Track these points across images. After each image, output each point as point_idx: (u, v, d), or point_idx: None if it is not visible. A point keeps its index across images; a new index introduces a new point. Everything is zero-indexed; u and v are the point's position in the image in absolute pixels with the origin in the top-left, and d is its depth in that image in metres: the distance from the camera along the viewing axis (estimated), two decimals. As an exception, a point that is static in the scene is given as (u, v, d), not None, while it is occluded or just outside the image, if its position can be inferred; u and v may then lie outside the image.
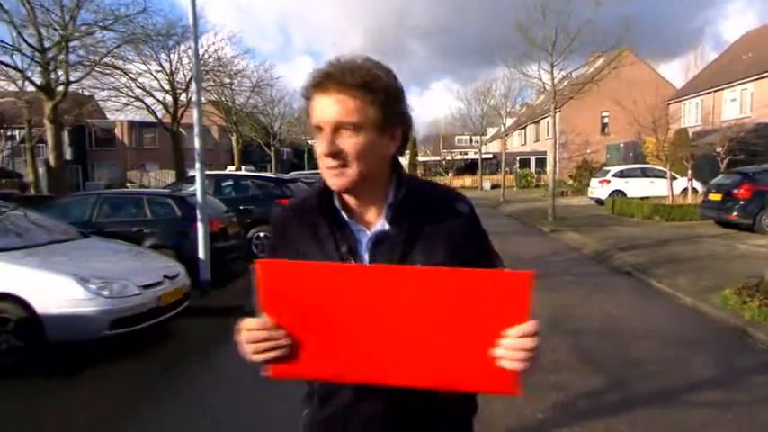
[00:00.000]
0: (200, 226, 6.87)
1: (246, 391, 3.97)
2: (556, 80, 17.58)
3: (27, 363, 4.51)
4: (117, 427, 3.66)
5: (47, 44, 10.70)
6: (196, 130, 6.80)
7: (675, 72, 51.26)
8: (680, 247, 10.00)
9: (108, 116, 33.84)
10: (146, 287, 5.11)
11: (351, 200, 1.18)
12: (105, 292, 4.76)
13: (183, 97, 16.01)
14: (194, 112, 6.79)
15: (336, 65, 1.11)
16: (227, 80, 17.80)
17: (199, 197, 6.86)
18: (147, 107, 16.80)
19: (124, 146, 43.08)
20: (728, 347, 5.01)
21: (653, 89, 37.32)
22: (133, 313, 4.89)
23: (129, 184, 34.60)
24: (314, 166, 43.58)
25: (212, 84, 16.80)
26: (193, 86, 8.96)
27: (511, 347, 0.97)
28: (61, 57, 10.88)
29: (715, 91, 30.00)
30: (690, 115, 32.38)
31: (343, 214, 1.18)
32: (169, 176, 40.18)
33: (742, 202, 11.35)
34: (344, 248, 1.15)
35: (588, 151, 37.46)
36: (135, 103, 16.59)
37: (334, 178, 1.11)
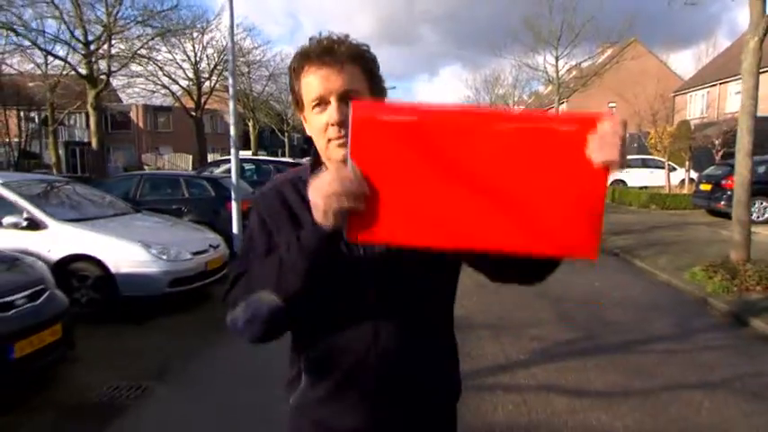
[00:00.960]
0: (234, 204, 7.81)
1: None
2: (561, 72, 18.33)
3: (104, 313, 5.48)
4: (186, 363, 4.57)
5: (90, 38, 11.66)
6: (231, 119, 7.72)
7: (689, 61, 51.02)
8: (668, 232, 10.83)
9: (125, 100, 34.87)
10: (195, 254, 6.06)
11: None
12: (164, 257, 5.71)
13: (205, 85, 16.88)
14: (230, 104, 7.70)
15: (329, 39, 1.13)
16: (245, 69, 18.65)
17: (234, 179, 7.80)
18: (173, 94, 17.73)
19: (139, 129, 44.07)
20: (688, 313, 5.90)
21: (660, 81, 37.86)
22: (187, 275, 5.85)
23: (146, 167, 35.55)
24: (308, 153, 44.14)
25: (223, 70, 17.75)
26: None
27: (603, 138, 0.90)
28: (103, 49, 11.85)
29: (720, 83, 30.39)
30: (695, 107, 32.86)
31: None
32: (182, 160, 41.16)
33: (729, 193, 12.10)
34: None
35: (595, 141, 38.01)
36: (161, 90, 17.51)
37: (341, 148, 1.09)
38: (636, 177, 20.14)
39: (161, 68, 15.33)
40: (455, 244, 0.95)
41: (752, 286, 6.16)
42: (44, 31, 11.81)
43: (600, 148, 0.90)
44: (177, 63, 16.69)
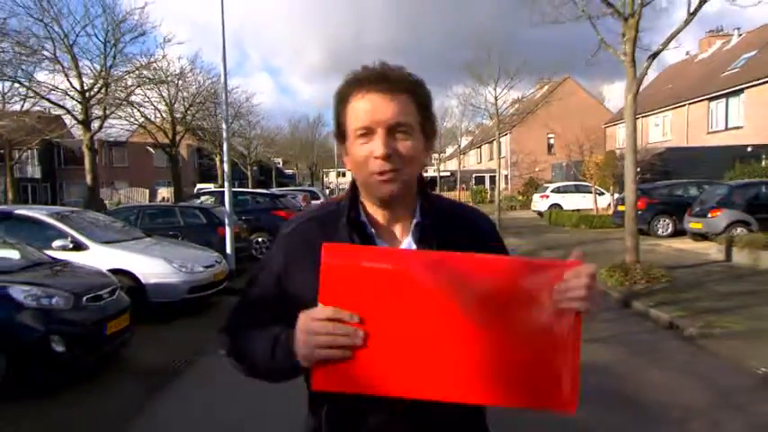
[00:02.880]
0: (227, 229, 9.25)
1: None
2: (500, 109, 20.70)
3: (137, 315, 6.78)
4: (209, 353, 5.90)
5: (85, 87, 12.91)
6: (225, 158, 9.22)
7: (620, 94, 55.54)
8: (590, 246, 12.89)
9: (77, 136, 35.27)
10: (206, 267, 7.48)
11: (379, 213, 1.11)
12: (183, 269, 7.10)
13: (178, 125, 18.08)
14: (224, 145, 9.20)
15: (384, 67, 1.07)
16: (216, 109, 20.07)
17: (227, 207, 9.26)
18: (149, 132, 18.89)
19: (94, 164, 44.10)
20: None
21: (592, 114, 41.55)
22: (201, 284, 7.25)
23: (107, 203, 35.74)
24: (280, 183, 45.57)
25: (204, 113, 19.07)
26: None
27: (571, 288, 0.91)
28: (96, 97, 13.06)
29: (642, 116, 33.81)
30: (622, 138, 36.35)
31: (371, 230, 1.10)
32: (139, 194, 41.51)
33: (639, 212, 14.36)
34: None
35: (537, 170, 40.99)
36: (137, 129, 18.56)
37: (385, 184, 1.04)
38: (570, 201, 22.61)
39: (138, 109, 16.49)
40: (426, 395, 0.90)
41: (638, 280, 8.11)
42: (47, 84, 12.99)
43: (568, 297, 0.90)
44: (152, 104, 17.94)
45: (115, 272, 6.77)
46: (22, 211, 7.29)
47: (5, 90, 13.73)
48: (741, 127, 24.32)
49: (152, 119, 18.33)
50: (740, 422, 3.80)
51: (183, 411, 4.27)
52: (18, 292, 4.44)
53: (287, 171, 62.68)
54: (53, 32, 12.01)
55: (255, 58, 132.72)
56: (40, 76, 12.32)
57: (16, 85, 12.56)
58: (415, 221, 1.11)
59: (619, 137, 36.50)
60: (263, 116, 34.78)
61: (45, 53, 12.10)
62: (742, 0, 8.08)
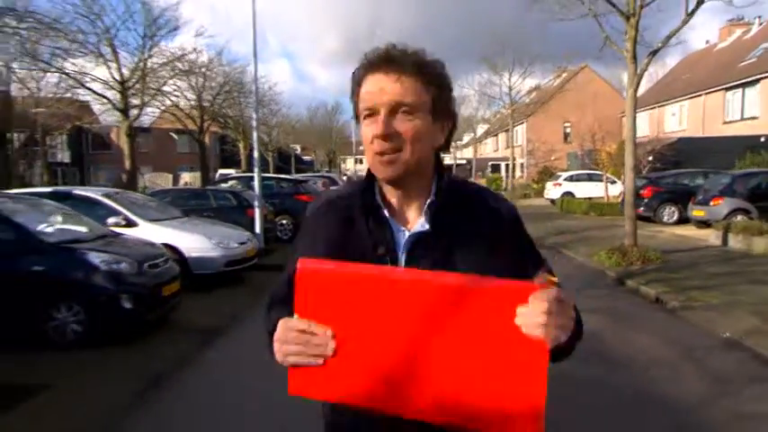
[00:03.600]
0: (257, 211, 10.12)
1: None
2: (516, 97, 21.27)
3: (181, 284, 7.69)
4: (246, 319, 6.77)
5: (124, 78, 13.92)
6: (255, 145, 10.05)
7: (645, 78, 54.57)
8: (595, 232, 13.53)
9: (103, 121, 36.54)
10: (240, 244, 8.35)
11: (393, 195, 1.13)
12: (221, 245, 7.98)
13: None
14: (254, 134, 10.02)
15: (394, 47, 1.08)
16: (241, 98, 20.94)
17: (257, 190, 10.13)
18: (180, 120, 19.87)
19: (120, 149, 45.45)
20: (592, 279, 8.47)
21: (609, 102, 41.53)
22: (236, 258, 8.12)
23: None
24: (299, 170, 46.53)
25: (230, 101, 20.02)
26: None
27: (531, 313, 0.85)
28: (135, 87, 14.06)
29: (660, 106, 33.96)
30: (640, 126, 36.33)
31: (385, 212, 1.11)
32: (162, 179, 42.80)
33: (646, 200, 15.00)
34: (382, 249, 1.08)
35: (553, 158, 41.22)
36: (166, 115, 19.52)
37: (385, 166, 1.05)
38: (582, 189, 23.11)
39: (168, 98, 17.41)
40: (388, 409, 0.93)
41: (634, 261, 8.79)
42: (91, 75, 14.01)
43: (528, 324, 0.85)
44: (182, 93, 18.80)
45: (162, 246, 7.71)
46: (79, 191, 8.23)
47: (57, 81, 14.82)
48: (757, 117, 24.44)
49: (180, 107, 19.29)
50: (695, 371, 4.54)
51: (227, 359, 5.14)
52: (94, 257, 5.34)
53: (305, 158, 63.66)
54: (97, 27, 13.09)
55: (274, 44, 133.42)
56: (84, 67, 13.26)
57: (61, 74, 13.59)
58: (428, 201, 1.10)
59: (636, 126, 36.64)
60: (283, 104, 35.75)
61: (89, 46, 13.16)
62: (739, 0, 8.59)
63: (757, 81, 24.56)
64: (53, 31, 11.07)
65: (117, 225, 7.53)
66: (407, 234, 1.10)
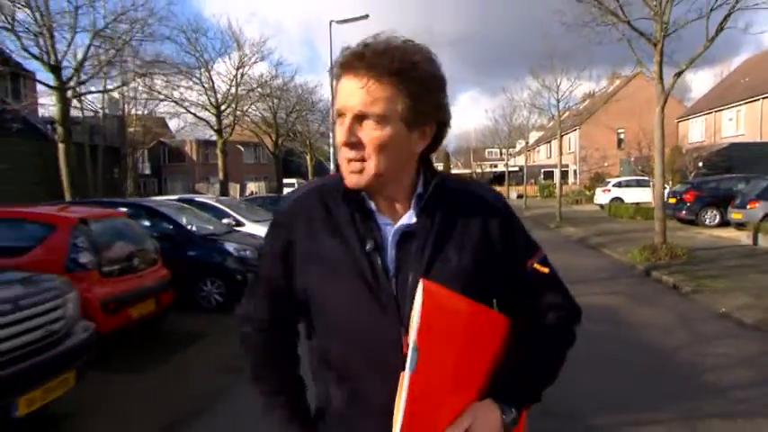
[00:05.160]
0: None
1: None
2: (570, 102, 22.30)
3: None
4: None
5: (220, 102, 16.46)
6: (331, 159, 11.90)
7: (708, 79, 52.74)
8: (636, 234, 14.56)
9: (178, 135, 40.08)
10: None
11: (374, 192, 1.07)
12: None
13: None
14: (331, 149, 11.90)
15: (371, 45, 0.99)
16: (309, 115, 23.15)
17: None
18: (257, 135, 22.26)
19: (192, 161, 49.22)
20: (623, 271, 9.76)
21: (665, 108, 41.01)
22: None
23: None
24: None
25: (300, 119, 22.29)
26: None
27: None
28: (228, 110, 16.62)
29: (716, 111, 33.77)
30: (695, 132, 36.21)
31: (371, 203, 1.06)
32: (230, 188, 46.11)
33: (688, 204, 15.86)
34: (370, 245, 1.03)
35: (606, 164, 41.45)
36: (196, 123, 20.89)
37: (351, 175, 1.01)
38: (631, 195, 23.82)
39: (251, 118, 19.54)
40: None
41: (662, 257, 9.98)
42: (194, 102, 16.57)
43: None
44: (261, 113, 20.95)
45: (263, 241, 9.70)
46: (199, 198, 10.33)
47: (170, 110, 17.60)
48: (814, 121, 24.35)
49: (257, 123, 21.61)
50: (686, 331, 5.89)
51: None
52: (229, 246, 7.28)
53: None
54: (200, 62, 15.52)
55: (325, 56, 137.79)
56: (186, 94, 15.77)
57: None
58: (417, 192, 1.08)
59: (692, 132, 36.46)
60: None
61: (194, 79, 15.61)
62: (756, 28, 9.65)
63: (815, 85, 24.47)
64: (168, 66, 13.47)
65: (229, 225, 9.55)
66: (394, 228, 1.06)
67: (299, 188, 1.20)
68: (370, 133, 0.99)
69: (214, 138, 39.92)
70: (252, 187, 46.25)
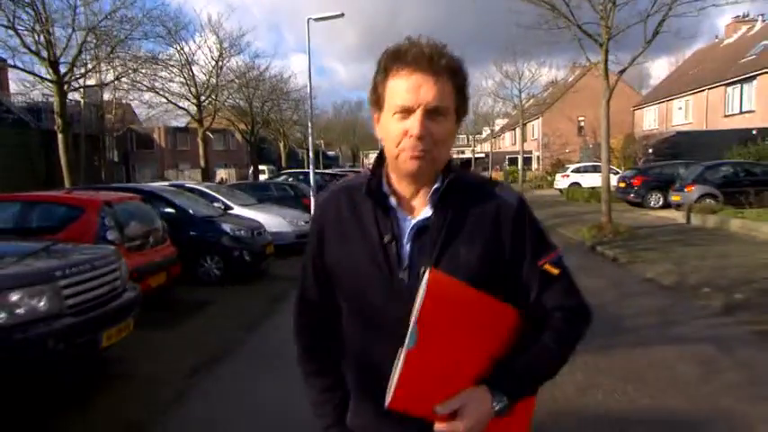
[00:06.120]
0: (312, 200, 12.91)
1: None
2: (534, 90, 23.67)
3: (265, 251, 10.53)
4: None
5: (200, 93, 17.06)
6: (310, 147, 12.80)
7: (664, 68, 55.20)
8: (588, 215, 15.94)
9: (146, 123, 39.98)
10: (305, 222, 11.14)
11: (405, 186, 1.17)
12: (292, 223, 10.78)
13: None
14: (309, 138, 12.79)
15: (428, 44, 1.09)
16: (283, 103, 23.84)
17: (312, 183, 12.90)
18: (234, 124, 22.84)
19: (161, 148, 48.91)
20: (573, 247, 11.05)
21: (622, 96, 43.12)
22: (303, 233, 10.91)
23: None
24: (326, 165, 49.42)
25: (274, 107, 23.01)
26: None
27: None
28: (208, 100, 17.19)
29: (667, 100, 35.72)
30: (649, 120, 38.25)
31: (392, 199, 1.16)
32: (200, 175, 46.22)
33: (636, 188, 17.40)
34: (388, 237, 1.14)
35: (567, 151, 43.22)
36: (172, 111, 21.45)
37: (415, 160, 1.09)
38: (588, 180, 25.43)
39: (226, 107, 20.11)
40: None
41: (607, 234, 11.33)
42: (178, 93, 17.13)
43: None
44: (235, 101, 21.58)
45: (251, 224, 10.54)
46: (189, 184, 11.11)
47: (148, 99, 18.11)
48: (753, 111, 26.31)
49: (233, 113, 22.26)
50: (615, 292, 7.14)
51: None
52: (227, 226, 8.18)
53: (329, 153, 66.66)
54: (181, 54, 16.13)
55: (291, 40, 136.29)
56: (168, 85, 16.30)
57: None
58: (434, 188, 1.14)
59: (645, 119, 38.49)
60: (315, 106, 38.70)
61: (174, 70, 16.13)
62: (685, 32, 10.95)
63: (754, 77, 26.41)
64: (157, 61, 14.05)
65: (219, 208, 10.38)
66: (412, 222, 1.14)
67: (329, 188, 1.33)
68: (438, 126, 1.09)
69: (182, 125, 40.03)
70: (222, 174, 46.39)
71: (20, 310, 3.26)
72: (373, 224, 1.16)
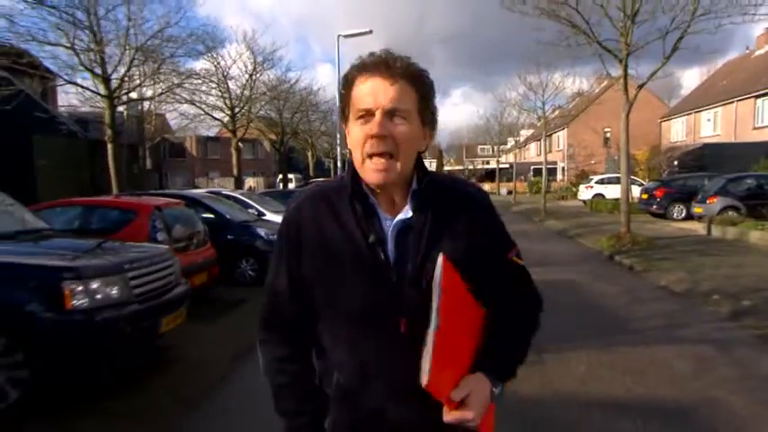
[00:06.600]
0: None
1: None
2: (559, 101, 23.88)
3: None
4: None
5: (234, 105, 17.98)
6: (338, 157, 13.37)
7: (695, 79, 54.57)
8: (610, 226, 16.15)
9: (179, 132, 41.35)
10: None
11: (378, 188, 1.19)
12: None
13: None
14: (337, 149, 13.36)
15: (387, 55, 1.15)
16: (312, 114, 24.64)
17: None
18: (263, 133, 23.72)
19: (193, 157, 50.42)
20: (591, 256, 11.36)
21: (649, 108, 42.84)
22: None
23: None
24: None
25: (304, 118, 23.86)
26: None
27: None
28: (242, 112, 18.11)
29: (696, 112, 35.40)
30: (677, 132, 37.93)
31: (372, 199, 1.19)
32: (229, 183, 47.48)
33: (658, 200, 17.52)
34: (372, 237, 1.16)
35: (592, 162, 43.07)
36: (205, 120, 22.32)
37: (376, 173, 1.12)
38: (612, 191, 25.43)
39: (259, 118, 20.93)
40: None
41: (625, 244, 11.59)
42: (214, 105, 18.08)
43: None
44: (267, 112, 22.45)
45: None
46: (225, 191, 11.82)
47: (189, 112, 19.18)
48: (783, 123, 26.02)
49: (264, 124, 23.12)
50: (628, 299, 7.45)
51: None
52: (261, 231, 8.78)
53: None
54: (218, 68, 17.07)
55: (318, 51, 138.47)
56: (205, 98, 17.15)
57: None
58: (412, 189, 1.20)
59: (672, 131, 38.19)
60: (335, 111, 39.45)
61: (212, 84, 17.05)
62: (706, 47, 11.26)
63: (784, 89, 26.12)
64: (198, 77, 14.94)
65: (254, 214, 11.03)
66: (393, 222, 1.18)
67: (304, 191, 1.34)
68: (400, 128, 1.12)
69: (213, 134, 41.27)
70: (250, 182, 47.57)
71: (98, 296, 3.86)
72: (355, 225, 1.17)
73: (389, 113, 1.11)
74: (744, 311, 6.28)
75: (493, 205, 1.32)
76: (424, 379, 1.02)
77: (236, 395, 4.28)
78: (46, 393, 3.88)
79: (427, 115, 1.20)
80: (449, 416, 1.07)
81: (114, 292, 3.98)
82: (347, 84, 1.17)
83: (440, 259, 1.08)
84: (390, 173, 1.12)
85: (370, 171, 1.12)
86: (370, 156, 1.13)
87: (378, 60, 1.14)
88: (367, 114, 1.12)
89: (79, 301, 3.75)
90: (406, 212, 1.18)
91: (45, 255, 4.19)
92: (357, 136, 1.14)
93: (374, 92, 1.12)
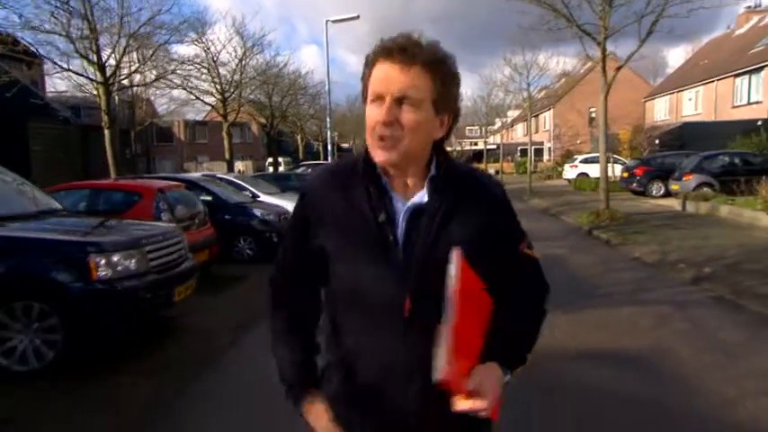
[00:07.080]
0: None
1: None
2: (545, 82, 24.33)
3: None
4: None
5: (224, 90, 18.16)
6: (329, 141, 13.77)
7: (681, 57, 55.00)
8: (592, 203, 16.73)
9: (166, 117, 41.27)
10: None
11: (391, 170, 1.20)
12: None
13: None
14: (328, 133, 13.75)
15: (408, 38, 1.14)
16: (300, 98, 24.86)
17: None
18: (253, 117, 23.90)
19: (180, 141, 50.28)
20: (571, 231, 11.96)
21: (634, 87, 43.27)
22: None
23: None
24: (341, 156, 50.22)
25: (293, 101, 24.06)
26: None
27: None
28: (233, 97, 18.31)
29: (678, 91, 35.98)
30: (660, 111, 38.58)
31: (385, 180, 1.20)
32: (218, 167, 47.50)
33: (638, 178, 18.15)
34: (382, 216, 1.17)
35: (578, 141, 43.68)
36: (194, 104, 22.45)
37: (382, 150, 1.14)
38: (596, 170, 25.97)
39: (249, 102, 21.19)
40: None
41: (603, 220, 12.19)
42: (204, 89, 18.29)
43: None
44: (257, 96, 22.68)
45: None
46: (220, 175, 12.18)
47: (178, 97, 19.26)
48: (760, 102, 26.65)
49: (253, 107, 23.34)
50: (602, 269, 8.04)
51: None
52: (257, 211, 9.22)
53: (343, 145, 67.56)
54: (208, 53, 17.29)
55: (303, 31, 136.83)
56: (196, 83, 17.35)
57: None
58: (430, 175, 1.20)
59: (656, 110, 38.82)
60: (323, 94, 39.55)
61: (203, 69, 17.24)
62: (680, 29, 11.74)
63: (762, 68, 26.72)
64: (190, 62, 15.17)
65: (246, 197, 11.44)
66: (407, 204, 1.18)
67: (318, 168, 1.36)
68: (408, 114, 1.12)
69: (201, 118, 41.22)
70: (239, 166, 47.61)
71: (119, 268, 4.31)
72: (366, 204, 1.17)
73: (398, 100, 1.12)
74: (704, 277, 6.88)
75: (507, 197, 1.33)
76: (439, 374, 1.02)
77: (244, 357, 4.77)
78: (76, 355, 4.35)
79: (445, 102, 1.18)
80: (461, 405, 1.06)
81: (134, 264, 4.43)
82: (368, 65, 1.18)
83: (455, 252, 1.08)
84: (393, 152, 1.13)
85: (378, 150, 1.15)
86: (381, 138, 1.15)
87: (395, 45, 1.13)
88: (379, 99, 1.14)
89: (103, 272, 4.20)
90: (422, 196, 1.19)
91: (69, 232, 4.62)
92: (370, 118, 1.16)
93: (387, 77, 1.12)
